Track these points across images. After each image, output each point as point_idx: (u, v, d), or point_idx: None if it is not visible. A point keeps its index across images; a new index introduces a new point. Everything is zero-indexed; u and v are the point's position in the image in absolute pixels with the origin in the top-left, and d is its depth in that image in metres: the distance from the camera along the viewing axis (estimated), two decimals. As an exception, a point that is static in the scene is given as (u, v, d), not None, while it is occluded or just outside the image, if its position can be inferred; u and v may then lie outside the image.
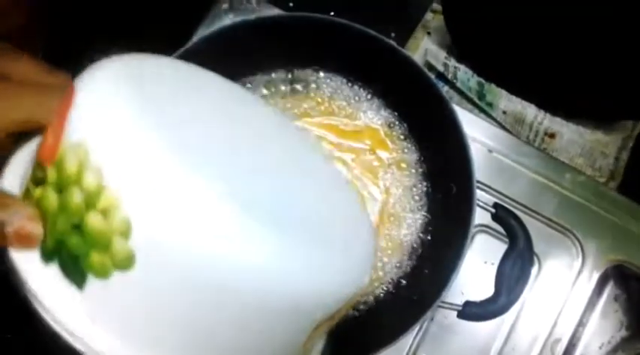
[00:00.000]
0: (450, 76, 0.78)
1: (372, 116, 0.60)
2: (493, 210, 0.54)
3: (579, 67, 0.71)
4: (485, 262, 0.63)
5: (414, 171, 0.58)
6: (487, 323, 0.58)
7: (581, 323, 0.63)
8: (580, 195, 0.64)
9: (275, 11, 0.65)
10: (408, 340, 0.61)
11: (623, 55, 0.66)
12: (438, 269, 0.53)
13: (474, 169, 0.52)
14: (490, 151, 0.65)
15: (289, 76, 0.61)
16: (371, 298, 0.56)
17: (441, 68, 0.78)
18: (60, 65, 0.63)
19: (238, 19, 0.60)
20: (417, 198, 0.58)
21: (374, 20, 0.83)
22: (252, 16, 0.54)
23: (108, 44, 0.59)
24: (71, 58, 0.65)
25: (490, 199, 0.62)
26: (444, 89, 0.79)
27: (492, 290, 0.57)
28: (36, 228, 0.28)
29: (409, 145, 0.59)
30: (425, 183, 0.58)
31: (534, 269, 0.63)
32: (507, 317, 0.62)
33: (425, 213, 0.58)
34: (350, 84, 0.61)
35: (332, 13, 0.80)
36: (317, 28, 0.56)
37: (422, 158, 0.58)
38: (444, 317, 0.62)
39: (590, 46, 0.68)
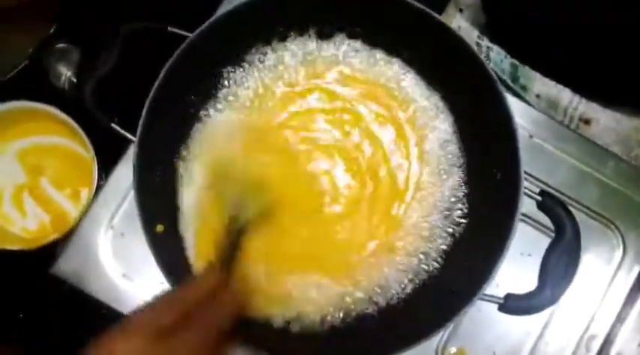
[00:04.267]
0: (482, 57, 0.74)
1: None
2: (539, 198, 0.50)
3: (618, 50, 0.68)
4: (522, 253, 0.60)
5: (457, 156, 0.55)
6: (521, 317, 0.56)
7: (619, 319, 0.60)
8: (622, 184, 0.61)
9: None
10: (437, 333, 0.59)
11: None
12: (478, 260, 0.50)
13: (520, 154, 0.49)
14: (531, 136, 0.61)
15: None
16: (408, 289, 0.53)
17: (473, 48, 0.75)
18: (75, 38, 0.60)
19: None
20: (459, 184, 0.55)
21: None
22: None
23: (127, 15, 0.56)
24: (86, 30, 0.62)
25: (531, 187, 0.59)
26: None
27: (529, 282, 0.54)
28: None
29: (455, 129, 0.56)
30: (467, 170, 0.55)
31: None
32: (542, 311, 0.59)
33: (465, 201, 0.55)
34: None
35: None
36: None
37: (466, 142, 0.55)
38: (477, 309, 0.59)
39: (630, 28, 0.64)
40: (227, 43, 0.52)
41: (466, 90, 0.54)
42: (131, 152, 0.53)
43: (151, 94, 0.47)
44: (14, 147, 0.67)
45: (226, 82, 0.56)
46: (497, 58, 0.75)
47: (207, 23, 0.49)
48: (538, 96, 0.74)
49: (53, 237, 0.61)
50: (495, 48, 0.75)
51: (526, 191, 0.50)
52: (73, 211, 0.66)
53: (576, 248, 0.49)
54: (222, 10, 0.50)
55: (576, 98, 0.75)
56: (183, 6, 0.55)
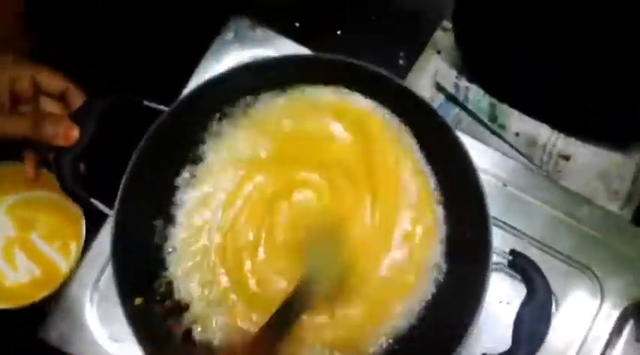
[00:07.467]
0: (461, 98, 0.75)
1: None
2: (510, 258, 0.51)
3: (595, 86, 0.69)
4: (500, 302, 0.60)
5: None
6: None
7: (599, 365, 0.61)
8: (598, 229, 0.62)
9: (281, 40, 0.62)
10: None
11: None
12: (453, 318, 0.51)
13: (489, 215, 0.50)
14: (505, 185, 0.62)
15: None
16: (381, 346, 0.54)
17: (451, 89, 0.76)
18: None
19: (243, 51, 0.57)
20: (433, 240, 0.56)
21: (383, 38, 0.80)
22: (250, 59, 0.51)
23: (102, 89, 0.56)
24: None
25: (505, 236, 0.60)
26: (455, 111, 0.77)
27: (507, 331, 0.55)
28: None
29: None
30: (441, 226, 0.56)
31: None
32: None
33: (439, 258, 0.56)
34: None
35: (339, 32, 0.79)
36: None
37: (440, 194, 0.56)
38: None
39: (607, 64, 0.65)
40: (201, 116, 0.53)
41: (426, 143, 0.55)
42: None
43: (126, 173, 0.48)
44: (5, 203, 0.69)
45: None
46: (475, 98, 0.76)
47: (180, 98, 0.50)
48: (517, 134, 0.75)
49: (44, 293, 0.62)
50: (474, 88, 0.76)
51: (496, 251, 0.51)
52: (63, 264, 0.67)
53: (548, 307, 0.50)
54: (193, 83, 0.51)
55: (555, 134, 0.75)
56: (158, 80, 0.56)
